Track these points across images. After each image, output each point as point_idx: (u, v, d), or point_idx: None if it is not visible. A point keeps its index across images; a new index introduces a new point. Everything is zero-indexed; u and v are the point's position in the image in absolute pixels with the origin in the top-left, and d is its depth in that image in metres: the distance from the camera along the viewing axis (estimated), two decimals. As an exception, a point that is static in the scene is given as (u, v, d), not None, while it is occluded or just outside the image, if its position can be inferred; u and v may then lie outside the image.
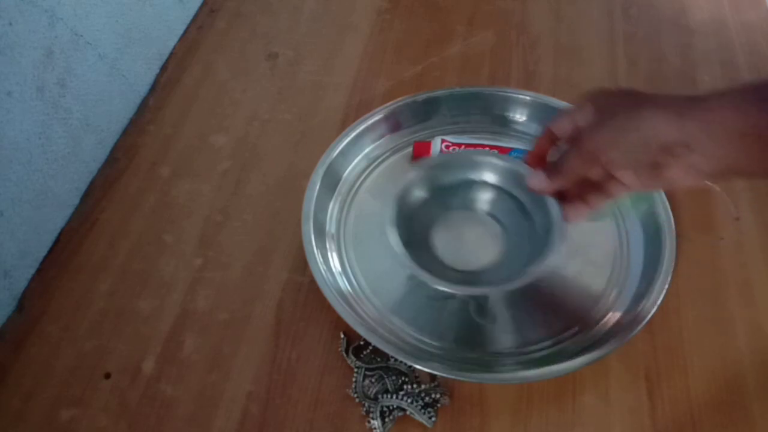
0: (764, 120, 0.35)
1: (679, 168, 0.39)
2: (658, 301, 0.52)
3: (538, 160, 0.49)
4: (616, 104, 0.41)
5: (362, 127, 0.65)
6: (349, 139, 0.64)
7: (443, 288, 0.49)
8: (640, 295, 0.53)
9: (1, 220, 0.54)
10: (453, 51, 0.78)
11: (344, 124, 0.68)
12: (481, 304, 0.52)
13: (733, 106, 0.37)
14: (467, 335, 0.53)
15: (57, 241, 0.61)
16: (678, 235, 0.56)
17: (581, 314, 0.54)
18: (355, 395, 0.50)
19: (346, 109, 0.71)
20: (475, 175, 0.55)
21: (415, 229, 0.53)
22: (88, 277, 0.59)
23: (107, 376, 0.52)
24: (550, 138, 0.47)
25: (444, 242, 0.54)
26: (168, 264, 0.59)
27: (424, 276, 0.48)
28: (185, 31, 0.81)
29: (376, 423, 0.48)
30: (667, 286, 0.53)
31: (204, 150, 0.68)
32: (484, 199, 0.55)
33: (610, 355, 0.49)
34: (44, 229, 0.60)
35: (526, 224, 0.52)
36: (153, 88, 0.75)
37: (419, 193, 0.54)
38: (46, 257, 0.60)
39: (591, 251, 0.58)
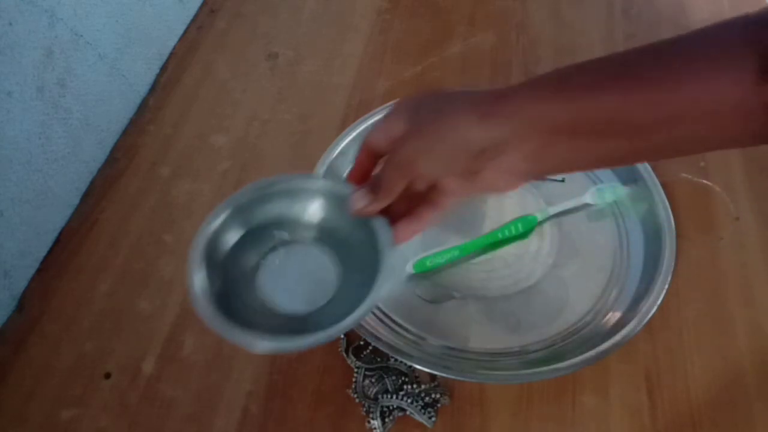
0: (565, 111, 0.34)
1: (496, 171, 0.37)
2: (658, 301, 0.52)
3: (361, 178, 0.44)
4: (423, 111, 0.39)
5: (362, 127, 0.65)
6: (349, 139, 0.64)
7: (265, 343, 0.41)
8: (640, 295, 0.53)
9: (1, 220, 0.54)
10: (453, 51, 0.78)
11: (344, 124, 0.68)
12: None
13: (533, 99, 0.35)
14: (467, 335, 0.53)
15: (57, 241, 0.61)
16: (678, 235, 0.56)
17: (581, 314, 0.54)
18: (355, 395, 0.50)
19: (346, 109, 0.71)
20: (297, 204, 0.47)
21: (233, 275, 0.45)
22: (88, 277, 0.59)
23: (107, 376, 0.53)
24: (369, 153, 0.42)
25: (270, 285, 0.46)
26: (168, 264, 0.59)
27: (238, 336, 0.40)
28: (185, 31, 0.81)
29: (376, 423, 0.48)
30: (667, 286, 0.53)
31: (204, 150, 0.68)
32: (310, 227, 0.48)
33: (610, 355, 0.49)
34: (44, 229, 0.60)
35: (357, 249, 0.46)
36: (153, 88, 0.75)
37: (232, 235, 0.45)
38: (46, 257, 0.60)
39: (591, 251, 0.58)
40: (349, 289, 0.45)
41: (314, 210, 0.47)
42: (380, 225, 0.44)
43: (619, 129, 0.33)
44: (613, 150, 0.34)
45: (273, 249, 0.47)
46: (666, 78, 0.32)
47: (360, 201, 0.42)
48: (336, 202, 0.46)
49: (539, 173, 0.38)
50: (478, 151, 0.36)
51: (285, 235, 0.47)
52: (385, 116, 0.41)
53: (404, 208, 0.43)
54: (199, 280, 0.41)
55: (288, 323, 0.44)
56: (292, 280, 0.46)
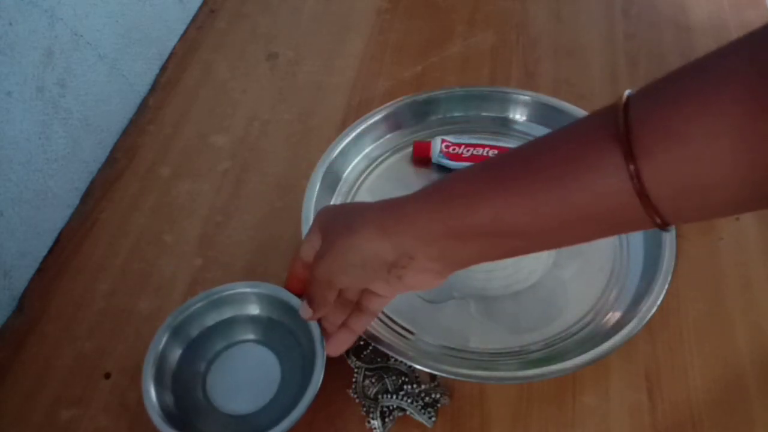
0: (452, 222, 0.35)
1: (414, 273, 0.39)
2: (658, 301, 0.52)
3: (295, 286, 0.48)
4: (334, 228, 0.41)
5: (362, 127, 0.65)
6: (349, 139, 0.64)
7: None
8: (640, 295, 0.53)
9: (1, 220, 0.54)
10: (453, 51, 0.78)
11: (344, 124, 0.68)
12: None
13: (422, 211, 0.37)
14: (467, 335, 0.53)
15: (57, 241, 0.61)
16: (678, 235, 0.56)
17: (581, 314, 0.54)
18: (355, 395, 0.50)
19: (346, 109, 0.71)
20: (238, 311, 0.52)
21: (185, 385, 0.50)
22: (88, 277, 0.59)
23: (107, 376, 0.52)
24: (300, 263, 0.46)
25: (218, 388, 0.50)
26: (168, 264, 0.59)
27: None
28: (185, 31, 0.81)
29: (376, 423, 0.48)
30: (667, 286, 0.53)
31: (204, 150, 0.68)
32: (253, 331, 0.53)
33: (610, 355, 0.49)
34: (44, 229, 0.60)
35: (299, 348, 0.50)
36: (153, 88, 0.75)
37: (176, 350, 0.50)
38: (46, 257, 0.60)
39: (591, 251, 0.58)
40: (291, 385, 0.50)
41: (255, 312, 0.53)
42: (313, 321, 0.48)
43: (509, 232, 0.34)
44: (516, 246, 0.35)
45: (220, 353, 0.52)
46: (539, 187, 0.32)
47: (305, 312, 0.46)
48: (275, 303, 0.51)
49: (454, 269, 0.39)
50: (390, 262, 0.39)
51: (228, 340, 0.52)
52: (309, 230, 0.44)
53: (339, 317, 0.46)
54: (151, 398, 0.46)
55: (235, 425, 0.49)
56: (238, 381, 0.51)
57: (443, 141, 0.64)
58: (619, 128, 0.28)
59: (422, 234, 0.37)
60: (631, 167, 0.27)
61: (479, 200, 0.34)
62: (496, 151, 0.63)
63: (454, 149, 0.63)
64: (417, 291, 0.44)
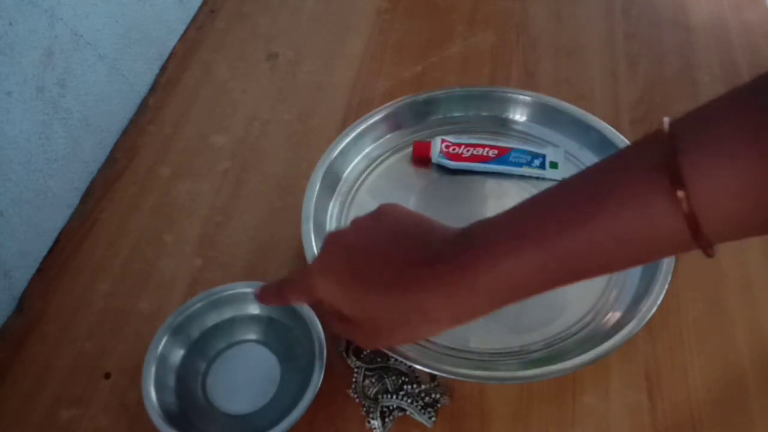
0: (510, 280, 0.34)
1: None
2: (658, 301, 0.52)
3: (271, 301, 0.48)
4: (385, 314, 0.37)
5: (362, 127, 0.64)
6: (349, 139, 0.64)
7: None
8: (640, 295, 0.53)
9: (1, 220, 0.54)
10: (453, 51, 0.78)
11: (344, 124, 0.68)
12: None
13: (491, 272, 0.34)
14: (467, 335, 0.53)
15: (57, 241, 0.61)
16: (678, 235, 0.56)
17: (581, 314, 0.54)
18: (355, 395, 0.50)
19: (346, 109, 0.71)
20: (238, 311, 0.52)
21: (185, 385, 0.50)
22: (88, 277, 0.59)
23: (107, 376, 0.52)
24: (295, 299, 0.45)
25: (219, 388, 0.51)
26: (168, 264, 0.59)
27: None
28: (185, 31, 0.81)
29: (376, 423, 0.48)
30: (667, 286, 0.53)
31: (204, 150, 0.68)
32: (253, 331, 0.53)
33: (610, 355, 0.49)
34: (44, 229, 0.60)
35: (299, 348, 0.50)
36: (153, 88, 0.75)
37: (176, 350, 0.51)
38: (46, 257, 0.60)
39: (591, 251, 0.58)
40: (291, 385, 0.49)
41: (256, 312, 0.53)
42: (313, 321, 0.49)
43: (555, 279, 0.33)
44: (556, 282, 0.34)
45: (220, 353, 0.52)
46: (580, 221, 0.31)
47: (261, 296, 0.46)
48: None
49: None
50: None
51: (228, 340, 0.52)
52: (302, 280, 0.41)
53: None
54: (151, 398, 0.46)
55: (235, 425, 0.49)
56: (238, 381, 0.51)
57: (443, 141, 0.64)
58: (665, 154, 0.28)
59: (487, 297, 0.35)
60: (680, 193, 0.27)
61: (522, 255, 0.33)
62: (496, 151, 0.63)
63: (454, 149, 0.63)
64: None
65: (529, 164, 0.63)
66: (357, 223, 0.40)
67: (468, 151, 0.63)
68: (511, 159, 0.63)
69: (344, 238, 0.40)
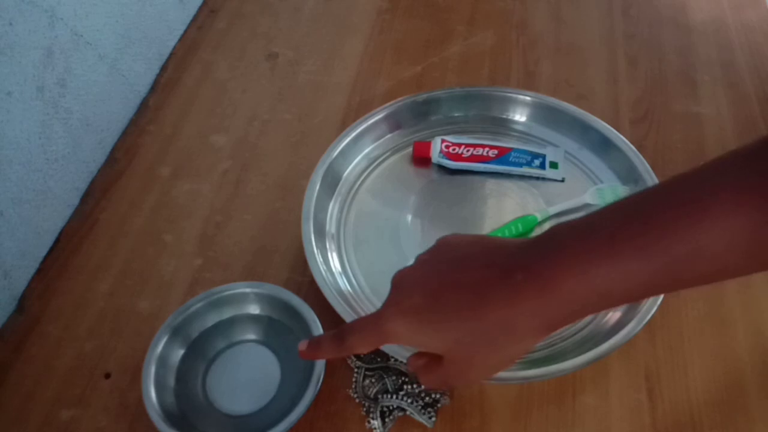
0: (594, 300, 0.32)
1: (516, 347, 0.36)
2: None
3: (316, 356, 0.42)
4: (481, 340, 0.34)
5: (362, 127, 0.64)
6: (349, 139, 0.64)
7: None
8: (640, 295, 0.53)
9: (1, 220, 0.54)
10: (453, 51, 0.78)
11: (344, 124, 0.68)
12: None
13: (581, 294, 0.32)
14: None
15: (57, 241, 0.61)
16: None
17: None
18: (355, 395, 0.50)
19: (346, 109, 0.71)
20: (238, 311, 0.53)
21: (185, 385, 0.50)
22: (88, 277, 0.59)
23: (107, 376, 0.52)
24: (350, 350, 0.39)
25: (219, 388, 0.50)
26: (168, 264, 0.59)
27: None
28: (185, 31, 0.81)
29: (376, 423, 0.48)
30: (667, 286, 0.53)
31: (204, 150, 0.68)
32: (253, 331, 0.53)
33: (610, 355, 0.49)
34: (44, 229, 0.60)
35: (295, 346, 0.50)
36: (153, 88, 0.75)
37: (176, 350, 0.51)
38: (46, 257, 0.60)
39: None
40: (291, 385, 0.49)
41: (256, 312, 0.53)
42: (314, 321, 0.49)
43: (637, 294, 0.32)
44: (630, 298, 0.33)
45: (220, 353, 0.52)
46: (666, 244, 0.29)
47: (311, 349, 0.40)
48: (275, 303, 0.52)
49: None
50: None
51: (228, 340, 0.53)
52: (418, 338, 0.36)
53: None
54: (151, 398, 0.47)
55: (235, 425, 0.49)
56: (238, 381, 0.51)
57: (443, 141, 0.64)
58: (752, 173, 0.28)
59: (576, 304, 0.32)
60: None
61: (594, 275, 0.31)
62: (496, 151, 0.63)
63: (454, 149, 0.63)
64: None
65: (529, 164, 0.63)
66: (420, 259, 0.38)
67: (468, 151, 0.63)
68: (511, 159, 0.63)
69: (411, 275, 0.37)
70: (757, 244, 0.29)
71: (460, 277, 0.35)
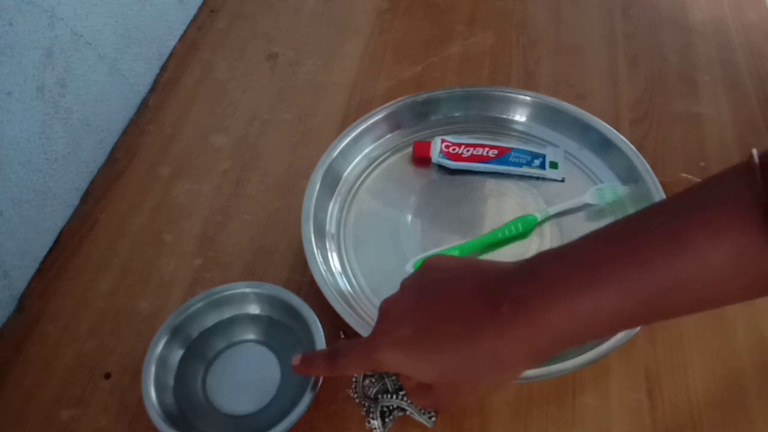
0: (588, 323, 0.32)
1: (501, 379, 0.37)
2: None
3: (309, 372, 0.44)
4: (465, 369, 0.35)
5: (362, 127, 0.64)
6: (349, 139, 0.64)
7: None
8: (640, 295, 0.53)
9: (1, 220, 0.54)
10: (453, 51, 0.78)
11: (344, 124, 0.68)
12: None
13: (570, 322, 0.32)
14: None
15: (57, 241, 0.61)
16: (678, 235, 0.56)
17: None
18: (355, 395, 0.50)
19: (346, 109, 0.71)
20: (238, 311, 0.53)
21: (185, 385, 0.50)
22: (88, 277, 0.59)
23: (107, 376, 0.52)
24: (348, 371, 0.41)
25: (218, 389, 0.50)
26: (168, 264, 0.59)
27: None
28: (185, 31, 0.81)
29: (376, 423, 0.48)
30: (667, 286, 0.53)
31: (204, 150, 0.68)
32: (253, 331, 0.53)
33: (610, 355, 0.49)
34: (44, 229, 0.60)
35: (299, 348, 0.50)
36: (153, 88, 0.75)
37: (176, 350, 0.51)
38: (46, 257, 0.60)
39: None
40: (291, 385, 0.49)
41: (256, 312, 0.53)
42: (314, 321, 0.49)
43: (647, 314, 0.32)
44: (634, 323, 0.34)
45: (220, 353, 0.52)
46: (670, 259, 0.29)
47: (304, 364, 0.42)
48: (275, 303, 0.52)
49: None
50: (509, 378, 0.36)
51: (228, 340, 0.53)
52: (371, 349, 0.37)
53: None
54: (151, 398, 0.46)
55: (235, 425, 0.49)
56: (238, 381, 0.51)
57: (443, 141, 0.64)
58: (758, 188, 0.27)
59: (562, 336, 0.33)
60: None
61: (606, 298, 0.31)
62: (496, 151, 0.63)
63: (454, 149, 0.63)
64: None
65: (529, 164, 0.63)
66: (404, 285, 0.39)
67: (468, 151, 0.63)
68: (511, 159, 0.63)
69: (398, 304, 0.38)
70: (739, 275, 0.28)
71: (448, 308, 0.35)
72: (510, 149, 0.64)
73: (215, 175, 0.66)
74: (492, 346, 0.33)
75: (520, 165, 0.63)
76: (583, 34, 0.79)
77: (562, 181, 0.63)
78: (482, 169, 0.63)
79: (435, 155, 0.64)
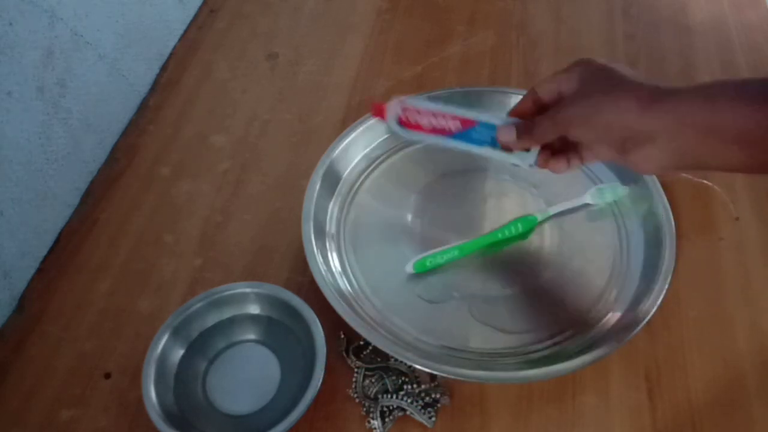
0: (711, 117, 0.38)
1: (639, 156, 0.41)
2: (658, 301, 0.52)
3: (518, 113, 0.49)
4: (596, 81, 0.43)
5: (362, 127, 0.64)
6: (349, 139, 0.64)
7: None
8: (640, 295, 0.53)
9: (1, 220, 0.54)
10: (453, 51, 0.78)
11: (344, 124, 0.68)
12: None
13: (686, 102, 0.39)
14: (467, 335, 0.53)
15: (57, 241, 0.61)
16: (678, 236, 0.56)
17: (581, 314, 0.54)
18: (355, 395, 0.50)
19: (346, 109, 0.71)
20: (238, 311, 0.53)
21: (185, 385, 0.50)
22: (88, 277, 0.59)
23: (107, 376, 0.53)
24: (533, 99, 0.47)
25: (218, 388, 0.51)
26: (168, 264, 0.59)
27: None
28: (185, 31, 0.81)
29: (376, 423, 0.48)
30: (667, 286, 0.53)
31: (204, 150, 0.68)
32: (253, 331, 0.53)
33: (610, 355, 0.49)
34: (44, 229, 0.60)
35: (299, 348, 0.50)
36: (153, 88, 0.75)
37: (176, 350, 0.51)
38: (46, 257, 0.60)
39: (591, 251, 0.58)
40: (291, 385, 0.49)
41: (256, 312, 0.53)
42: (314, 321, 0.49)
43: (752, 141, 0.37)
44: (747, 158, 0.38)
45: (220, 353, 0.52)
46: None
47: (506, 134, 0.47)
48: (275, 303, 0.52)
49: (677, 168, 0.41)
50: (628, 136, 0.40)
51: (228, 340, 0.53)
52: (561, 72, 0.45)
53: (557, 146, 0.48)
54: (151, 398, 0.47)
55: (235, 425, 0.49)
56: (238, 381, 0.51)
57: (403, 107, 0.51)
58: None
59: (676, 123, 0.38)
60: None
61: (739, 106, 0.37)
62: (458, 122, 0.51)
63: (414, 117, 0.52)
64: (631, 168, 0.44)
65: (492, 144, 0.51)
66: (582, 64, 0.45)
67: (430, 121, 0.52)
68: (473, 135, 0.51)
69: (591, 65, 0.44)
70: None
71: (625, 84, 0.41)
72: (474, 122, 0.51)
73: (215, 175, 0.66)
74: (613, 107, 0.40)
75: (482, 144, 0.51)
76: (583, 35, 0.79)
77: (531, 166, 0.50)
78: (440, 144, 0.51)
79: (390, 121, 0.52)
